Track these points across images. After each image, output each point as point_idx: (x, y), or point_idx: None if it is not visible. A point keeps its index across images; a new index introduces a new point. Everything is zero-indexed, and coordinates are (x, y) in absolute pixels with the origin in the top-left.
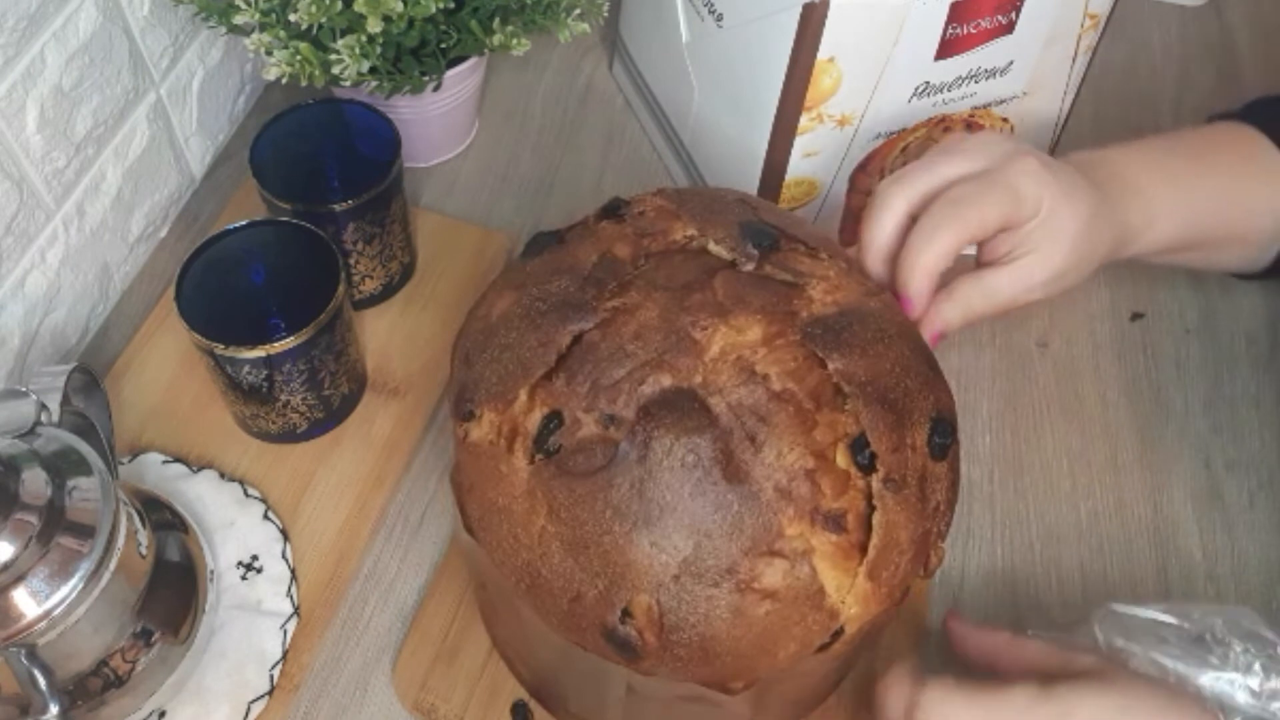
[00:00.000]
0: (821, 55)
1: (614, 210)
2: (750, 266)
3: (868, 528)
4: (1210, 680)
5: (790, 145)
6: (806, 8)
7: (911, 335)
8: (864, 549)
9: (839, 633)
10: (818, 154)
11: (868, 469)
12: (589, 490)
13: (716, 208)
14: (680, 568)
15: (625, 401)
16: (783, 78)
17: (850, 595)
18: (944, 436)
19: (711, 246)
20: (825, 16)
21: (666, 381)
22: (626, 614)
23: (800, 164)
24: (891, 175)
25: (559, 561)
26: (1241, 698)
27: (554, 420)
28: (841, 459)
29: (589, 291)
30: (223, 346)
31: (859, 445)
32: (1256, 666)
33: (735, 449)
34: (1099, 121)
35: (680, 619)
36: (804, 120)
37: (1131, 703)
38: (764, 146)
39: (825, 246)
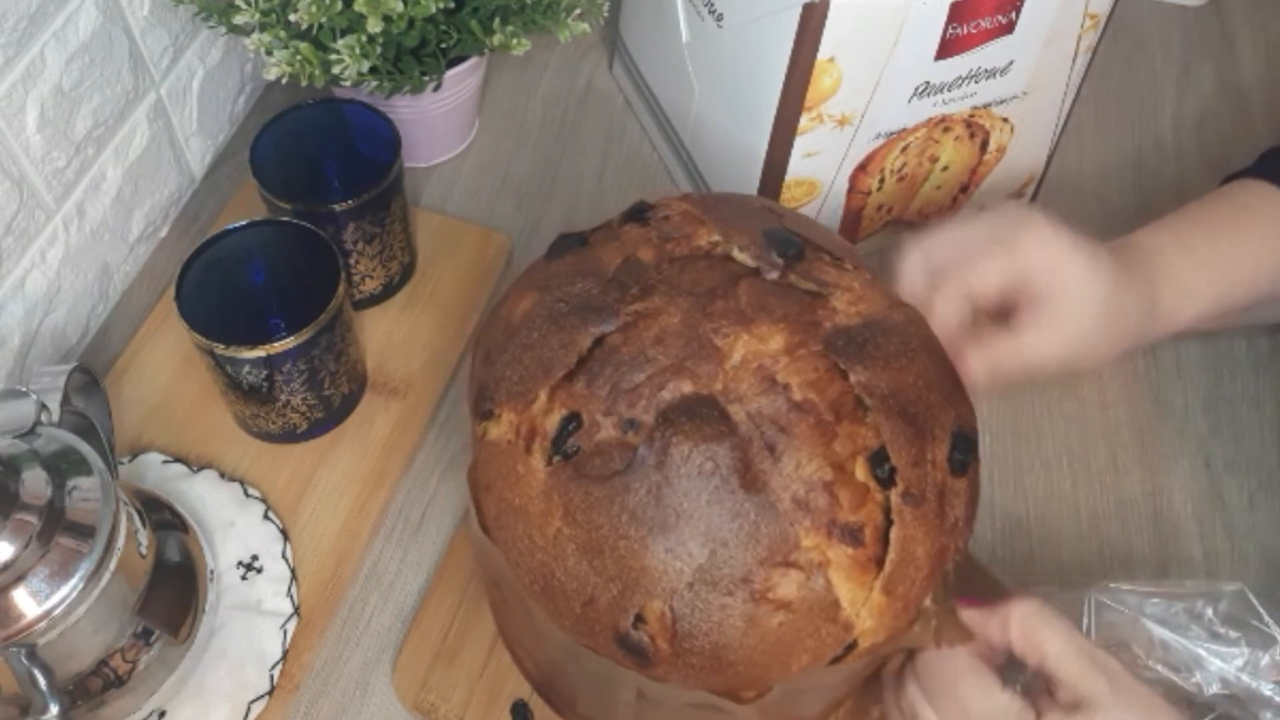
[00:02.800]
0: (821, 55)
1: (639, 214)
2: (774, 275)
3: (885, 541)
4: (1203, 654)
5: (790, 145)
6: (806, 7)
7: (935, 349)
8: (880, 563)
9: (852, 645)
10: (818, 154)
11: (887, 483)
12: (606, 494)
13: (742, 214)
14: (695, 575)
15: (645, 406)
16: (783, 78)
17: (865, 609)
18: (965, 453)
19: (736, 253)
20: (825, 16)
21: (687, 388)
22: (639, 620)
23: (800, 164)
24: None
25: (574, 564)
26: (1231, 672)
27: (572, 422)
28: (860, 472)
29: (612, 294)
30: (223, 346)
31: (878, 459)
32: (1244, 643)
33: (754, 458)
34: (1099, 122)
35: (693, 627)
36: (804, 120)
37: None
38: (764, 146)
39: (850, 257)
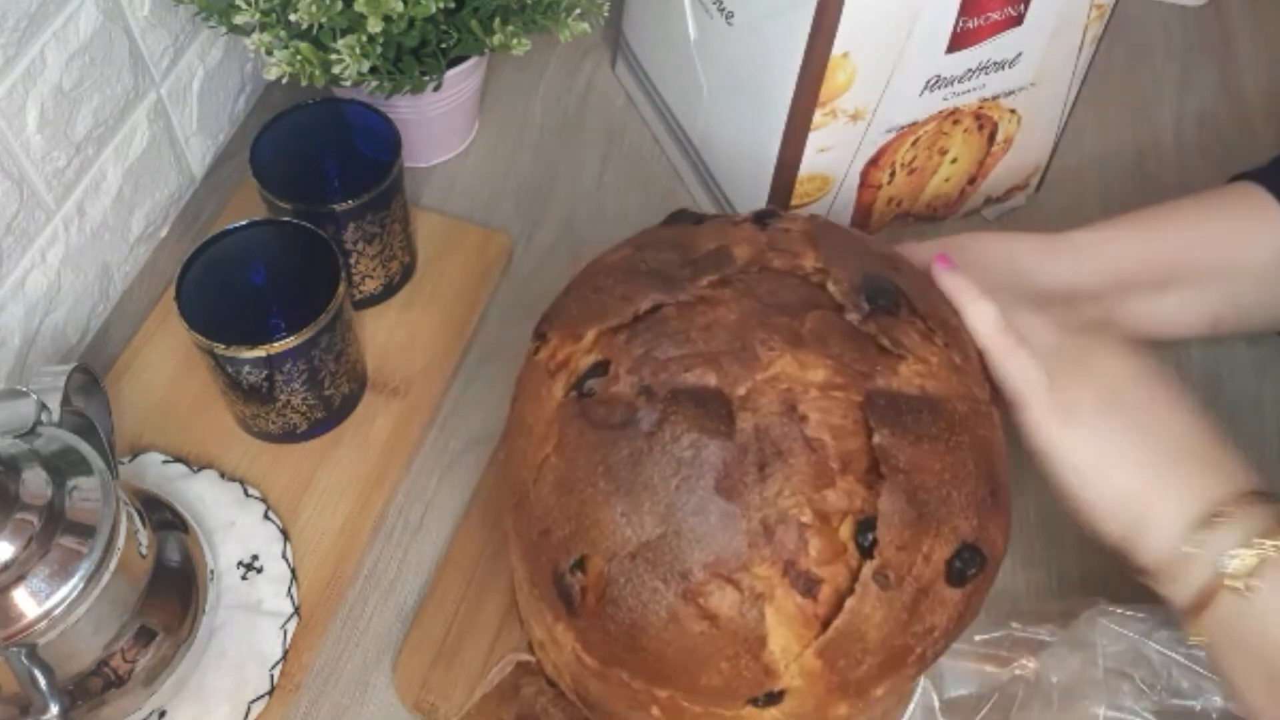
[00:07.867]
0: (836, 51)
1: (763, 217)
2: (855, 318)
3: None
4: (1206, 676)
5: (804, 142)
6: (821, 4)
7: (986, 455)
8: (828, 626)
9: (777, 696)
10: (830, 149)
11: (867, 553)
12: (594, 441)
13: (856, 252)
14: (639, 548)
15: (665, 379)
16: (796, 74)
17: (796, 664)
18: (970, 566)
19: (829, 285)
20: (840, 12)
21: (710, 380)
22: (579, 567)
23: (813, 160)
24: None
25: (546, 493)
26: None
27: (600, 369)
28: (845, 531)
29: (685, 271)
30: (223, 346)
31: (866, 525)
32: None
33: (739, 467)
34: (1100, 123)
35: (621, 595)
36: (817, 116)
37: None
38: (777, 143)
39: (946, 332)
